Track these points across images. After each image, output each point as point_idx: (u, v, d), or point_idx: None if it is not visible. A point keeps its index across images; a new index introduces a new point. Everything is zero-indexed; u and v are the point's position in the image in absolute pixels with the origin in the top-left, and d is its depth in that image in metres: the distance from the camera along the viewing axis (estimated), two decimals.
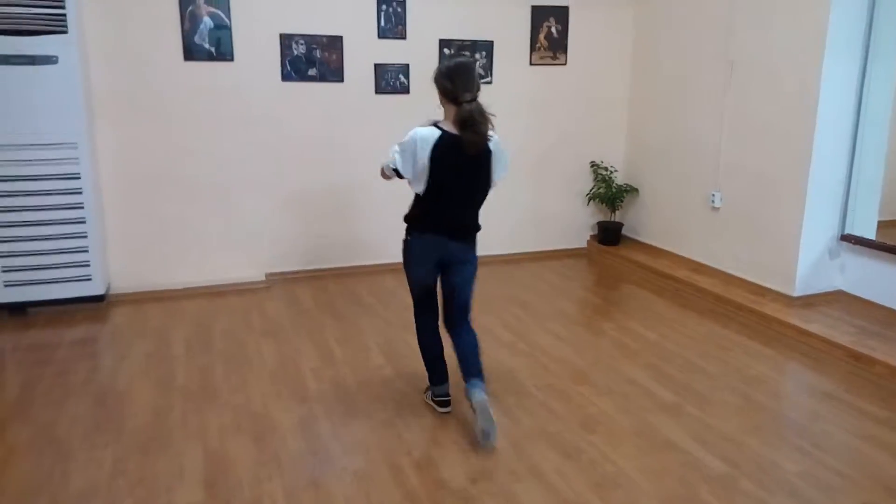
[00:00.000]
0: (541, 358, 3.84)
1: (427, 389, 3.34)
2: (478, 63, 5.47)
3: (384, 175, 3.06)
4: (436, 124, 2.89)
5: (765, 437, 3.03)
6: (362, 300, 4.79)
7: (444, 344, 3.23)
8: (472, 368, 3.03)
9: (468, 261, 3.11)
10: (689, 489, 2.64)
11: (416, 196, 3.01)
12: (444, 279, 3.12)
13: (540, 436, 3.01)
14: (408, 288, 3.22)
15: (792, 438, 3.03)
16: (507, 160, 3.05)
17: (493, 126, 2.88)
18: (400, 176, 2.97)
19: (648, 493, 2.61)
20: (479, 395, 2.92)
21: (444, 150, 2.83)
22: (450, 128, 2.86)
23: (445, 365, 3.22)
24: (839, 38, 4.22)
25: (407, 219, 3.07)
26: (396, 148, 2.93)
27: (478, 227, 3.13)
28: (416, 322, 3.24)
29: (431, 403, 3.26)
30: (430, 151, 2.82)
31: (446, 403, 3.20)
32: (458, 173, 2.90)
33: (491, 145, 2.92)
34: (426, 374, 3.28)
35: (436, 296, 3.21)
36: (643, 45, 5.86)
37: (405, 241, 3.09)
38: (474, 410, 2.91)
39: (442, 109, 2.95)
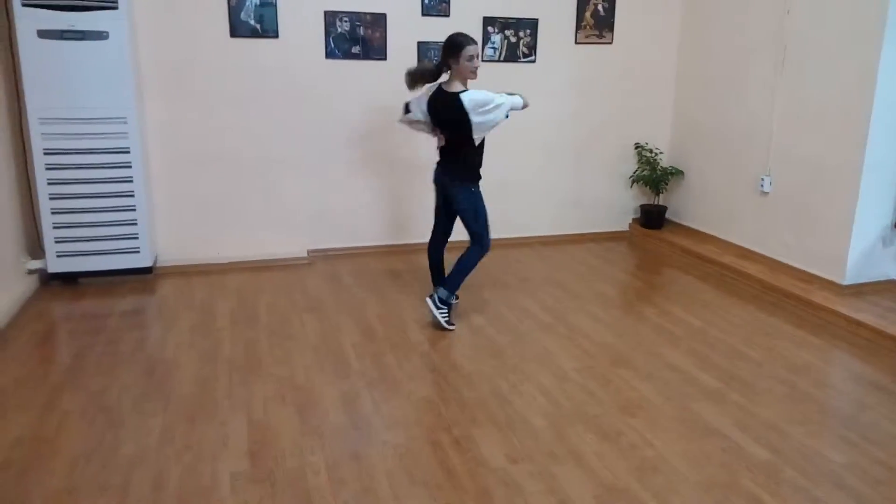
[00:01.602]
0: (580, 341, 3.82)
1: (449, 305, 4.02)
2: (521, 41, 5.41)
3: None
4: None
5: (810, 426, 2.98)
6: (402, 278, 4.82)
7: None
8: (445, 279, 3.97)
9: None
10: (731, 476, 2.61)
11: (475, 148, 3.76)
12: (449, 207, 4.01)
13: (579, 418, 3.00)
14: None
15: (838, 429, 2.97)
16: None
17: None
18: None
19: (689, 478, 2.59)
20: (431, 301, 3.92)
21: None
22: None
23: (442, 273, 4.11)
24: None
25: (475, 172, 3.83)
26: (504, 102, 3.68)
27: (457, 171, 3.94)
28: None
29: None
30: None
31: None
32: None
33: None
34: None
35: None
36: (692, 24, 5.72)
37: (476, 192, 3.84)
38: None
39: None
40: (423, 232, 5.36)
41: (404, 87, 5.12)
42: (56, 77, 4.16)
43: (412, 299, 4.40)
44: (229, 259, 5.01)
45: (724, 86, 5.40)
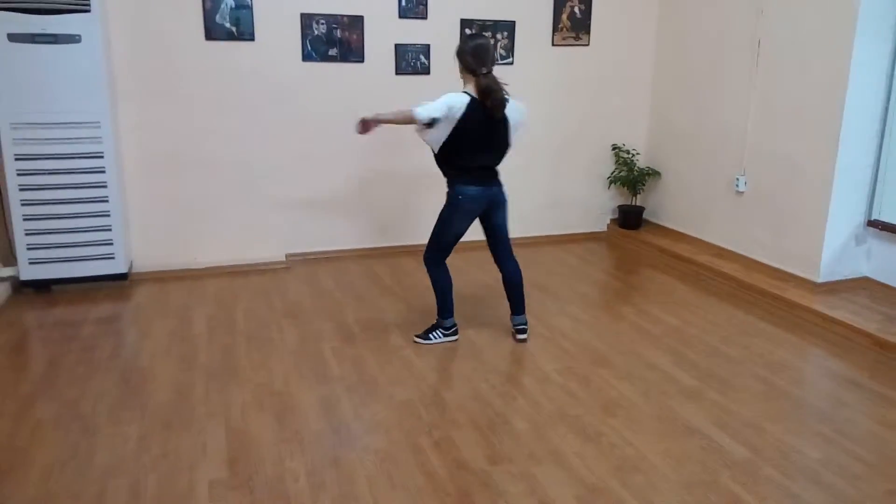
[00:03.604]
0: (561, 341, 3.83)
1: (435, 328, 3.79)
2: (499, 44, 5.43)
3: (400, 120, 3.50)
4: (465, 92, 3.46)
5: (787, 423, 3.01)
6: (382, 281, 4.80)
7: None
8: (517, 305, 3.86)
9: (505, 201, 3.72)
10: (711, 474, 2.62)
11: (447, 154, 3.52)
12: (487, 222, 3.72)
13: (560, 419, 3.00)
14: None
15: (814, 425, 3.00)
16: (523, 117, 3.61)
17: (507, 93, 3.46)
18: (429, 126, 3.42)
19: (669, 477, 2.60)
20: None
21: (471, 112, 3.40)
22: (474, 94, 3.44)
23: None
24: (871, 18, 4.12)
25: (453, 175, 3.59)
26: (437, 104, 3.37)
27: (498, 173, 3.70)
28: (438, 266, 3.71)
29: (444, 339, 3.78)
30: (462, 111, 3.38)
31: (456, 332, 3.82)
32: (482, 131, 3.47)
33: (508, 109, 3.48)
34: (436, 314, 3.79)
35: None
36: (668, 25, 5.77)
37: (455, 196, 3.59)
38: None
39: (462, 81, 3.52)
40: (401, 235, 5.37)
41: (381, 89, 5.15)
42: (28, 81, 4.09)
43: (392, 302, 4.39)
44: (206, 264, 4.96)
45: (699, 87, 5.45)
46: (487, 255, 5.38)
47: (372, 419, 2.98)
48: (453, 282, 3.77)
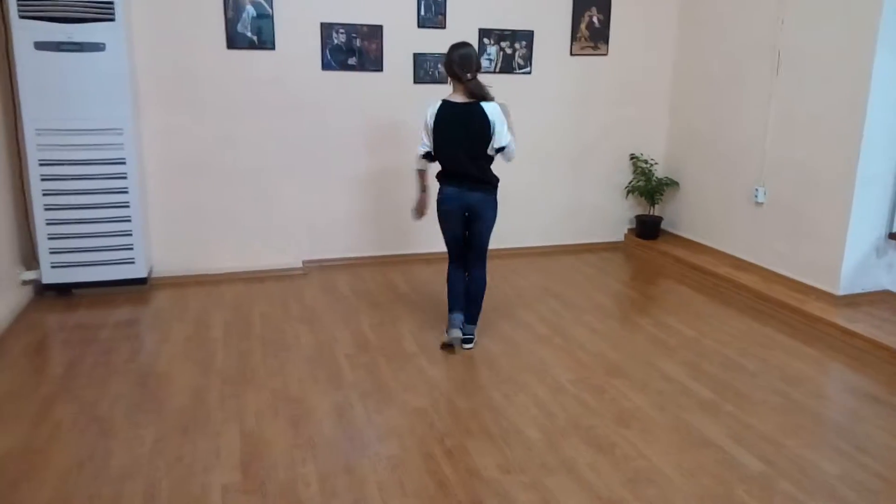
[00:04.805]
0: (576, 351, 3.82)
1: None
2: (517, 53, 5.44)
3: (421, 167, 3.78)
4: (443, 99, 3.64)
5: (805, 437, 2.97)
6: (398, 289, 4.81)
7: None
8: (467, 314, 3.82)
9: (484, 210, 3.68)
10: (726, 488, 2.60)
11: (435, 158, 3.73)
12: (469, 227, 3.73)
13: (573, 429, 2.99)
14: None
15: (832, 440, 2.96)
16: (501, 117, 3.58)
17: (491, 95, 3.60)
18: (425, 157, 3.72)
19: (683, 490, 2.58)
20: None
21: (441, 115, 3.60)
22: (456, 98, 3.60)
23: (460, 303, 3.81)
24: (892, 28, 4.08)
25: (437, 177, 3.73)
26: (421, 131, 3.71)
27: (485, 180, 3.66)
28: (449, 267, 3.85)
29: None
30: (433, 117, 3.61)
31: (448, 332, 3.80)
32: (450, 132, 3.59)
33: (487, 109, 3.56)
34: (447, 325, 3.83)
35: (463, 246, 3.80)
36: (687, 36, 5.75)
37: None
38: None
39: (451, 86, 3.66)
40: (417, 243, 5.39)
41: (399, 98, 5.18)
42: (53, 88, 4.17)
43: (408, 310, 4.40)
44: (224, 270, 5.01)
45: (718, 97, 5.42)
46: (507, 264, 5.43)
47: (385, 426, 2.99)
48: (459, 287, 3.80)
